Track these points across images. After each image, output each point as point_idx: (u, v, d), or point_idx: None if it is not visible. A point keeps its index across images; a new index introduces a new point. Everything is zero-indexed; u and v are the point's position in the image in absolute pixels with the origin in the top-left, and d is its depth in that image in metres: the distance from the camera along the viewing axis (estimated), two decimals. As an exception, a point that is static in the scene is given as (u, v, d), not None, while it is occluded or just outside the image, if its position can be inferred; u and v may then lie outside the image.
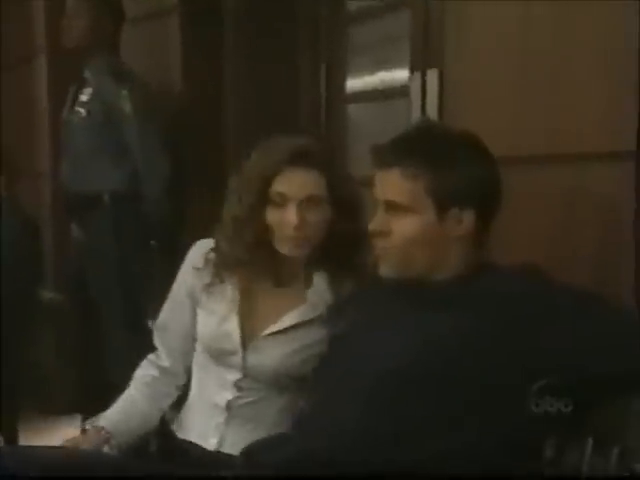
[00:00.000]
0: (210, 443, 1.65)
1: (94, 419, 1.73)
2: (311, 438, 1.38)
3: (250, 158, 1.67)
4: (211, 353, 1.70)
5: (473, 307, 1.35)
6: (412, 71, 2.06)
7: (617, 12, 1.51)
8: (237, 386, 1.66)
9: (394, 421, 1.33)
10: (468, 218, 1.40)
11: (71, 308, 3.17)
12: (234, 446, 1.58)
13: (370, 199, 1.50)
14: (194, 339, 1.73)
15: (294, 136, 1.71)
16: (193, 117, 3.03)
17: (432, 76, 1.96)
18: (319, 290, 1.67)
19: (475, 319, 1.33)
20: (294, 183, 1.61)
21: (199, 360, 1.73)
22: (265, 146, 1.67)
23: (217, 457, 1.62)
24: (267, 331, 1.66)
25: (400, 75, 2.39)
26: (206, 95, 2.99)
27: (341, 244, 1.65)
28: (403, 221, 1.40)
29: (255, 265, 1.67)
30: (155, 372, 1.76)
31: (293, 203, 1.61)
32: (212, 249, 1.72)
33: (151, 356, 1.79)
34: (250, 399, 1.65)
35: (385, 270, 1.44)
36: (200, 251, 1.73)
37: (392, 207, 1.41)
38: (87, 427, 1.70)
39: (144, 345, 2.91)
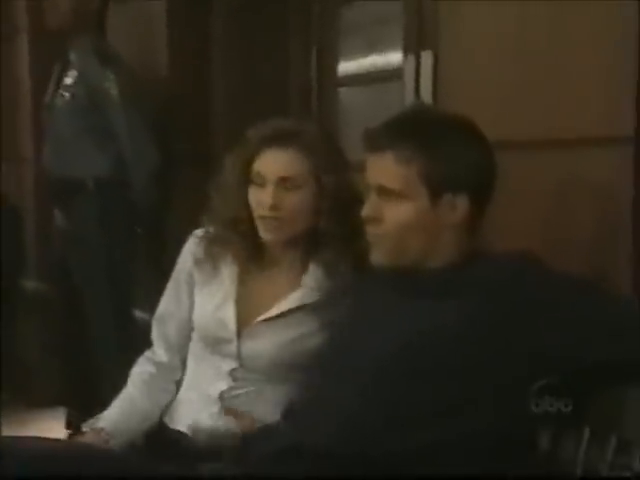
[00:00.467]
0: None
1: (92, 420, 1.72)
2: (304, 429, 1.38)
3: (240, 139, 1.69)
4: (207, 341, 1.70)
5: (467, 295, 1.35)
6: (405, 53, 2.06)
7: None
8: (232, 376, 1.66)
9: (389, 411, 1.33)
10: (462, 204, 1.39)
11: (55, 298, 3.16)
12: (227, 434, 1.58)
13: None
14: (191, 329, 1.74)
15: (281, 119, 1.72)
16: (181, 101, 3.02)
17: (426, 58, 1.96)
18: (315, 276, 1.67)
19: (469, 308, 1.33)
20: (272, 163, 1.63)
21: (194, 350, 1.74)
22: (254, 128, 1.68)
23: (206, 448, 1.62)
24: (261, 317, 1.66)
25: (393, 57, 2.38)
26: (194, 79, 2.98)
27: (336, 230, 1.65)
28: (395, 207, 1.40)
29: (242, 247, 1.68)
30: (152, 369, 1.76)
31: (270, 183, 1.63)
32: (205, 232, 1.73)
33: (147, 353, 1.79)
34: (244, 390, 1.66)
35: (377, 258, 1.44)
36: (197, 238, 1.74)
37: (384, 193, 1.41)
38: (86, 429, 1.69)
39: (130, 335, 2.93)
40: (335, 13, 2.69)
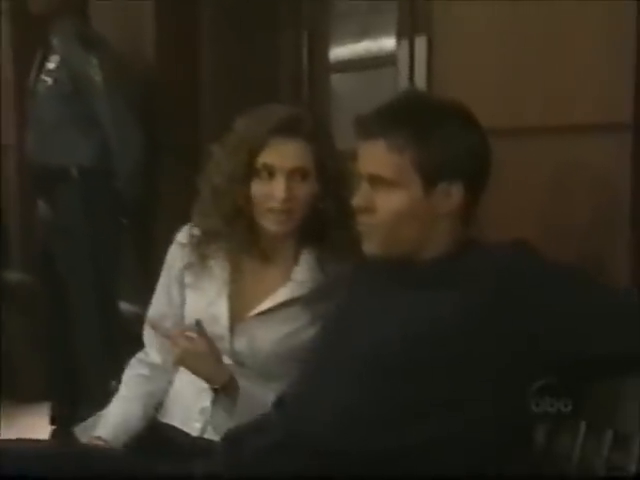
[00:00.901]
0: (194, 428, 1.66)
1: (84, 424, 1.73)
2: (296, 422, 1.38)
3: (234, 127, 1.67)
4: None
5: (462, 286, 1.34)
6: (399, 39, 2.06)
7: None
8: None
9: (384, 404, 1.33)
10: (456, 193, 1.39)
11: (39, 290, 3.15)
12: (218, 432, 1.58)
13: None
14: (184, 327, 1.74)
15: (280, 105, 1.71)
16: (167, 87, 3.01)
17: (420, 43, 1.96)
18: (306, 268, 1.67)
19: (465, 298, 1.33)
20: (283, 154, 1.61)
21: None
22: (252, 115, 1.66)
23: (199, 443, 1.63)
24: (252, 312, 1.67)
25: (387, 43, 2.38)
26: (181, 65, 2.97)
27: (329, 220, 1.66)
28: (388, 196, 1.40)
29: (236, 240, 1.67)
30: (145, 371, 1.76)
31: (281, 175, 1.61)
32: (194, 224, 1.72)
33: (140, 354, 1.79)
34: (240, 384, 1.66)
35: (369, 248, 1.43)
36: (186, 232, 1.73)
37: (377, 181, 1.41)
38: (84, 440, 1.70)
39: (116, 328, 2.93)
40: (327, -3, 2.69)
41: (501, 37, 1.75)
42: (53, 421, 3.11)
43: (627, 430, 1.31)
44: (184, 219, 1.75)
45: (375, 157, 1.40)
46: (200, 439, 1.64)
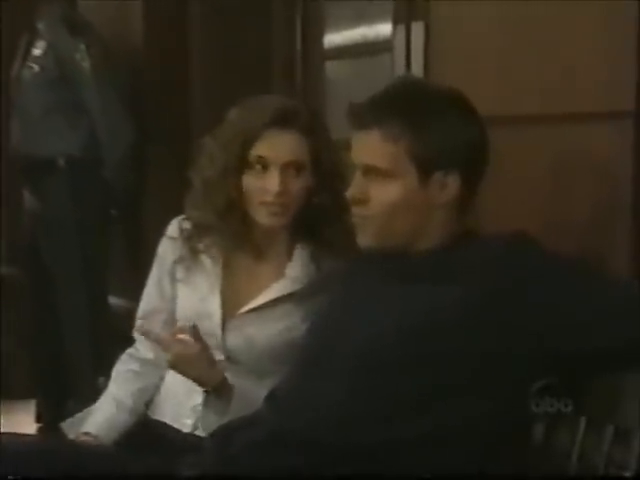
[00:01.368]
0: (185, 425, 1.67)
1: (72, 420, 1.74)
2: (286, 418, 1.39)
3: (227, 118, 1.67)
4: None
5: (460, 278, 1.35)
6: (395, 24, 2.07)
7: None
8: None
9: (378, 398, 1.34)
10: (453, 183, 1.40)
11: (26, 283, 3.16)
12: (210, 429, 1.58)
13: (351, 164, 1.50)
14: (176, 322, 1.74)
15: (275, 96, 1.71)
16: (157, 74, 3.01)
17: (417, 29, 1.97)
18: (300, 263, 1.68)
19: (462, 290, 1.34)
20: (277, 146, 1.62)
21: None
22: (245, 106, 1.67)
23: (190, 440, 1.64)
24: (245, 308, 1.67)
25: (383, 29, 2.39)
26: (171, 51, 2.98)
27: (324, 215, 1.66)
28: (383, 187, 1.40)
29: (228, 234, 1.68)
30: (136, 366, 1.77)
31: (275, 168, 1.62)
32: (185, 217, 1.73)
33: (130, 350, 1.79)
34: (232, 382, 1.67)
35: (364, 240, 1.44)
36: (176, 225, 1.74)
37: (371, 172, 1.41)
38: (72, 437, 1.70)
39: (105, 322, 2.94)
40: (321, -19, 2.69)
41: (500, 23, 1.76)
42: (39, 419, 3.11)
43: (628, 425, 1.32)
44: (175, 211, 1.76)
45: (369, 147, 1.41)
46: (191, 436, 1.65)
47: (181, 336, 1.56)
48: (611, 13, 1.54)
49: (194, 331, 1.56)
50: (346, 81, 2.62)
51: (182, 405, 1.68)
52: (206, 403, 1.59)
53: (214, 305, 1.67)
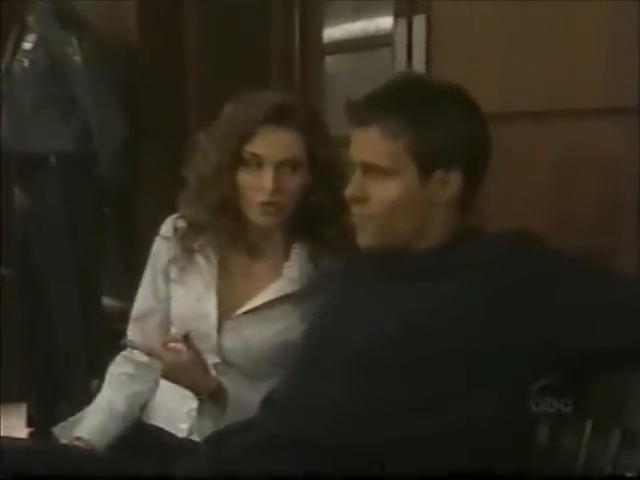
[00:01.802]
0: (180, 429, 1.68)
1: (64, 424, 1.74)
2: (284, 420, 1.40)
3: (223, 114, 1.68)
4: None
5: (460, 277, 1.36)
6: (396, 18, 2.07)
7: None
8: (216, 370, 1.67)
9: (378, 399, 1.35)
10: (454, 181, 1.40)
11: (16, 283, 3.16)
12: (205, 435, 1.59)
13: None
14: (171, 324, 1.75)
15: (272, 92, 1.71)
16: (152, 69, 3.01)
17: (419, 23, 1.97)
18: (298, 263, 1.69)
19: (462, 289, 1.35)
20: (272, 144, 1.62)
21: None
22: (240, 101, 1.67)
23: (185, 445, 1.65)
24: (241, 310, 1.68)
25: (383, 22, 2.39)
26: (166, 45, 2.98)
27: (322, 213, 1.67)
28: (383, 185, 1.40)
29: (222, 233, 1.68)
30: (130, 369, 1.77)
31: (269, 166, 1.62)
32: (179, 216, 1.73)
33: (125, 352, 1.80)
34: (229, 386, 1.67)
35: (364, 239, 1.44)
36: (170, 224, 1.75)
37: (370, 170, 1.42)
38: (64, 442, 1.71)
39: (98, 324, 2.94)
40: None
41: (504, 17, 1.77)
42: (30, 423, 3.12)
43: (635, 428, 1.33)
44: (171, 209, 1.76)
45: (368, 144, 1.41)
46: (187, 440, 1.66)
47: (173, 345, 1.56)
48: (615, 8, 1.55)
49: (186, 339, 1.56)
50: (346, 76, 2.63)
51: (177, 409, 1.69)
52: (201, 410, 1.60)
53: (210, 306, 1.68)
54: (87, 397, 1.87)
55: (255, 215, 1.64)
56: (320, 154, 1.65)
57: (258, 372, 1.65)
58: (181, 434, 1.68)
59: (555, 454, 1.39)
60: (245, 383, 1.65)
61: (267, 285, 1.68)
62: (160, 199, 1.82)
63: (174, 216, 1.75)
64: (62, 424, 1.77)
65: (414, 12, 1.99)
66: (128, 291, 1.90)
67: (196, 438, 1.63)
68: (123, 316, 1.90)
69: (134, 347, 1.68)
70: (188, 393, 1.64)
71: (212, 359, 1.67)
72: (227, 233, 1.68)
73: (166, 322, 1.76)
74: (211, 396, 1.59)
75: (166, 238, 1.74)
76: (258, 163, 1.62)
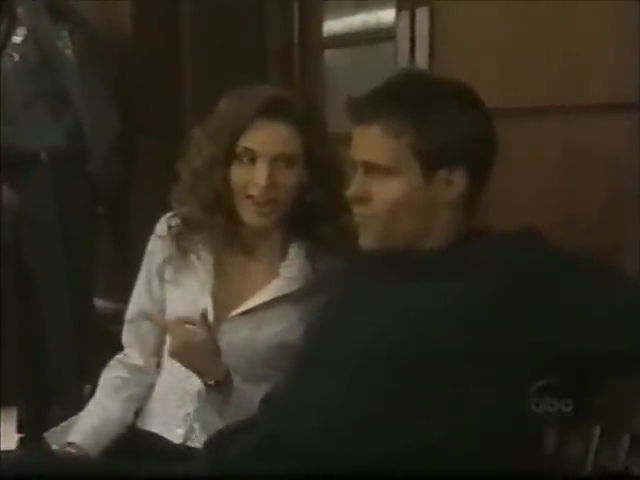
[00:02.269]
0: (176, 435, 1.68)
1: (56, 429, 1.75)
2: (282, 421, 1.41)
3: (217, 108, 1.68)
4: None
5: (462, 277, 1.36)
6: (399, 10, 2.08)
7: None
8: None
9: (378, 401, 1.36)
10: (459, 179, 1.41)
11: (6, 284, 3.16)
12: (206, 431, 1.60)
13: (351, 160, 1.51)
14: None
15: (268, 86, 1.72)
16: (146, 63, 3.01)
17: (422, 16, 1.98)
18: (295, 263, 1.69)
19: (466, 290, 1.35)
20: (266, 138, 1.62)
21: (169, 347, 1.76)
22: (235, 95, 1.68)
23: (181, 451, 1.65)
24: (238, 310, 1.69)
25: (385, 15, 2.40)
26: (161, 38, 2.98)
27: (319, 211, 1.67)
28: (385, 185, 1.41)
29: (216, 231, 1.69)
30: (125, 373, 1.78)
31: (263, 161, 1.62)
32: (173, 214, 1.74)
33: (119, 356, 1.81)
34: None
35: (366, 241, 1.45)
36: (165, 223, 1.75)
37: (372, 169, 1.42)
38: (55, 447, 1.71)
39: (90, 326, 2.94)
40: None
41: (508, 11, 1.77)
42: (21, 428, 3.12)
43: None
44: (165, 207, 1.77)
45: (370, 143, 1.41)
46: (183, 447, 1.67)
47: (187, 324, 1.54)
48: (618, 6, 1.56)
49: (204, 319, 1.55)
50: (346, 71, 2.63)
51: (173, 414, 1.70)
52: (206, 397, 1.60)
53: (205, 307, 1.68)
54: (79, 402, 1.88)
55: (248, 213, 1.64)
56: (317, 150, 1.65)
57: (255, 374, 1.65)
58: (177, 440, 1.68)
59: (562, 460, 1.40)
60: (242, 383, 1.65)
61: (264, 285, 1.69)
62: (155, 197, 1.82)
63: (169, 214, 1.76)
64: (54, 429, 1.78)
65: (417, 4, 1.99)
66: (122, 292, 1.91)
67: (192, 443, 1.64)
68: (117, 318, 1.91)
69: (148, 317, 1.64)
70: (184, 396, 1.65)
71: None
72: (222, 232, 1.68)
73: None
74: (218, 383, 1.58)
75: (161, 237, 1.74)
76: (251, 158, 1.62)
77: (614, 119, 1.59)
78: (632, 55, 1.53)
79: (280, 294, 1.68)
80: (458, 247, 1.42)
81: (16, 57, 2.91)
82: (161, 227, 1.76)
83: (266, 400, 1.49)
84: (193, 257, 1.71)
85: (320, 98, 2.59)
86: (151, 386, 1.76)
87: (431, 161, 1.40)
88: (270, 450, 1.38)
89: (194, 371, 1.58)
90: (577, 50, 1.64)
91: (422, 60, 1.98)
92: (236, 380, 1.60)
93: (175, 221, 1.73)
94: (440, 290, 1.37)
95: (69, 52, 2.83)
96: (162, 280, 1.74)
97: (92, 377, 1.88)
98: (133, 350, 1.79)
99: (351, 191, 1.44)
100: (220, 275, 1.71)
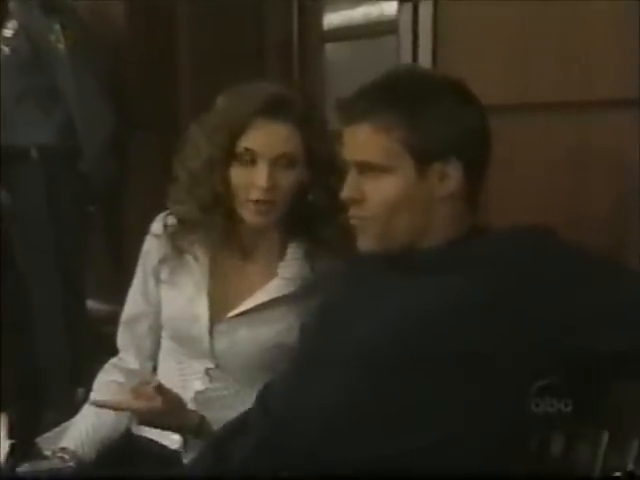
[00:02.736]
0: (173, 441, 1.69)
1: (49, 434, 1.75)
2: (279, 423, 1.41)
3: (215, 105, 1.68)
4: (178, 339, 1.73)
5: (464, 273, 1.37)
6: (401, 2, 2.08)
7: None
8: (208, 376, 1.69)
9: (378, 401, 1.36)
10: (454, 173, 1.41)
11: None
12: (199, 444, 1.61)
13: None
14: (161, 328, 1.77)
15: (267, 83, 1.72)
16: (140, 58, 3.02)
17: (425, 8, 1.98)
18: (294, 263, 1.70)
19: (467, 286, 1.36)
20: (266, 138, 1.62)
21: (165, 346, 1.77)
22: (234, 92, 1.68)
23: (177, 457, 1.66)
24: (235, 311, 1.69)
25: (387, 7, 2.40)
26: (156, 31, 2.98)
27: (319, 211, 1.68)
28: (379, 183, 1.41)
29: (214, 232, 1.69)
30: (120, 377, 1.78)
31: (264, 162, 1.62)
32: (169, 213, 1.74)
33: (113, 360, 1.82)
34: (223, 392, 1.69)
35: (365, 243, 1.45)
36: (161, 222, 1.76)
37: (364, 168, 1.43)
38: (48, 452, 1.72)
39: (84, 330, 2.94)
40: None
41: (514, 6, 1.78)
42: (12, 434, 3.12)
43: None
44: (161, 206, 1.77)
45: (360, 142, 1.42)
46: (179, 453, 1.67)
47: (144, 389, 1.56)
48: (621, 2, 1.57)
49: (159, 389, 1.56)
50: (347, 66, 2.63)
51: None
52: (186, 447, 1.63)
53: (200, 308, 1.69)
54: (72, 406, 1.88)
55: (248, 213, 1.65)
56: (317, 149, 1.65)
57: (253, 377, 1.65)
58: (173, 446, 1.69)
59: (570, 465, 1.40)
60: (239, 386, 1.67)
61: (261, 286, 1.69)
62: (150, 196, 1.83)
63: (165, 213, 1.76)
64: (46, 435, 1.78)
65: (420, -4, 2.00)
66: (115, 293, 1.91)
67: (190, 448, 1.64)
68: (110, 320, 1.91)
69: (99, 405, 1.67)
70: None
71: (204, 364, 1.69)
72: (219, 232, 1.69)
73: (156, 326, 1.78)
74: (195, 432, 1.61)
75: (157, 236, 1.75)
76: (251, 159, 1.63)
77: (619, 116, 1.60)
78: (635, 50, 1.55)
79: (278, 295, 1.69)
80: (462, 243, 1.42)
81: (6, 51, 2.91)
82: (157, 226, 1.76)
83: (262, 400, 1.50)
84: (189, 257, 1.72)
85: (320, 93, 2.60)
86: None
87: (424, 155, 1.40)
88: (267, 452, 1.39)
89: (166, 430, 1.62)
90: (581, 47, 1.65)
91: (425, 54, 1.98)
92: (227, 392, 1.62)
93: (171, 220, 1.74)
94: (440, 287, 1.38)
95: (61, 46, 2.83)
96: (158, 280, 1.75)
97: (85, 381, 1.89)
98: (128, 353, 1.80)
99: (345, 193, 1.45)
100: (217, 275, 1.71)
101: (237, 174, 1.64)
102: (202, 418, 1.62)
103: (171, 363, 1.74)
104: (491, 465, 1.36)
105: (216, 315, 1.69)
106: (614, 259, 1.49)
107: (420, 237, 1.44)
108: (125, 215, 3.05)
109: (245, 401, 1.56)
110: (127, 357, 1.80)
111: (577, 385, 1.38)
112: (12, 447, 3.02)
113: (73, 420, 1.77)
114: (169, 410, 1.57)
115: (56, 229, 2.87)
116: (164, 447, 1.69)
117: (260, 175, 1.61)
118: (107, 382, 1.79)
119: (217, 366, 1.69)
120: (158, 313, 1.76)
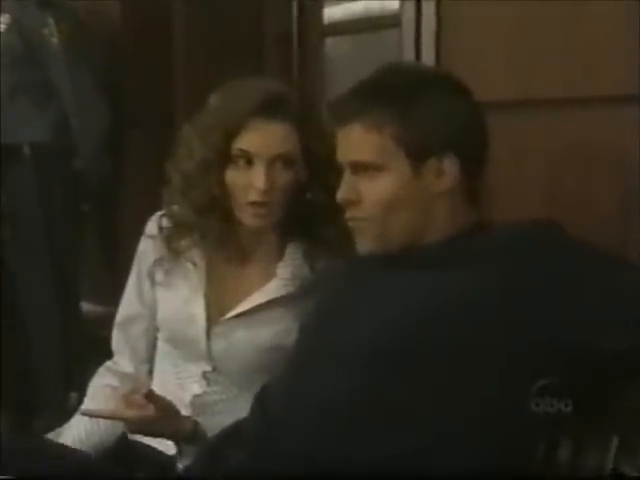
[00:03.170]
0: (168, 446, 1.68)
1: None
2: (277, 424, 1.41)
3: (208, 104, 1.68)
4: (175, 342, 1.73)
5: (466, 269, 1.37)
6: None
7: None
8: (206, 378, 1.69)
9: (379, 401, 1.36)
10: (449, 168, 1.42)
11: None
12: (195, 449, 1.61)
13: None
14: (157, 330, 1.77)
15: (263, 79, 1.71)
16: (136, 52, 3.02)
17: (428, 2, 1.98)
18: (292, 264, 1.70)
19: (468, 282, 1.36)
20: (263, 138, 1.62)
21: (161, 349, 1.77)
22: (228, 90, 1.67)
23: (174, 463, 1.66)
24: (232, 313, 1.69)
25: (389, 1, 2.40)
26: (151, 26, 2.99)
27: (317, 211, 1.68)
28: (374, 183, 1.42)
29: (210, 234, 1.69)
30: (114, 381, 1.79)
31: (261, 163, 1.62)
32: (163, 214, 1.74)
33: (108, 363, 1.82)
34: (220, 396, 1.69)
35: (364, 245, 1.46)
36: (156, 222, 1.76)
37: (359, 168, 1.43)
38: None
39: (77, 332, 2.94)
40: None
41: (518, 2, 1.78)
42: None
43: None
44: (156, 206, 1.77)
45: (353, 142, 1.43)
46: (175, 457, 1.66)
47: (135, 398, 1.56)
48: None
49: (150, 396, 1.56)
50: (348, 60, 2.64)
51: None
52: (180, 454, 1.63)
53: (197, 309, 1.69)
54: (65, 411, 1.88)
55: (246, 217, 1.65)
56: (315, 147, 1.65)
57: (250, 380, 1.65)
58: (170, 451, 1.68)
59: (579, 470, 1.40)
60: (238, 389, 1.67)
61: (260, 287, 1.70)
62: (145, 195, 1.82)
63: (160, 213, 1.76)
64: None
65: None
66: (110, 295, 1.91)
67: (186, 454, 1.64)
68: (104, 322, 1.91)
69: (90, 416, 1.67)
70: (178, 405, 1.65)
71: (201, 367, 1.70)
72: (216, 234, 1.69)
73: (152, 328, 1.78)
74: (189, 439, 1.61)
75: (152, 237, 1.75)
76: (248, 160, 1.62)
77: (622, 113, 1.60)
78: (636, 46, 1.55)
79: (277, 295, 1.69)
80: (460, 240, 1.43)
81: (-1, 46, 2.91)
82: (152, 227, 1.76)
83: (260, 401, 1.50)
84: (185, 258, 1.72)
85: (320, 88, 2.60)
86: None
87: (417, 150, 1.41)
88: (267, 457, 1.39)
89: (162, 437, 1.62)
90: (584, 43, 1.65)
91: (428, 49, 1.98)
92: (224, 395, 1.62)
93: (166, 221, 1.74)
94: (440, 284, 1.38)
95: (55, 40, 2.84)
96: (153, 282, 1.75)
97: (79, 385, 1.89)
98: (123, 357, 1.80)
99: (340, 195, 1.45)
100: (214, 277, 1.71)
101: (233, 176, 1.63)
102: (196, 424, 1.63)
103: (167, 366, 1.75)
104: (492, 465, 1.36)
105: (213, 316, 1.69)
106: (618, 255, 1.49)
107: (419, 235, 1.44)
108: (120, 215, 3.05)
109: (243, 406, 1.56)
110: (122, 360, 1.80)
111: (578, 385, 1.37)
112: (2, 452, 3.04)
113: (66, 426, 1.77)
114: (162, 418, 1.57)
115: (49, 229, 2.87)
116: (160, 453, 1.69)
117: (257, 177, 1.61)
118: (101, 386, 1.79)
119: (214, 369, 1.70)
120: (153, 315, 1.76)
